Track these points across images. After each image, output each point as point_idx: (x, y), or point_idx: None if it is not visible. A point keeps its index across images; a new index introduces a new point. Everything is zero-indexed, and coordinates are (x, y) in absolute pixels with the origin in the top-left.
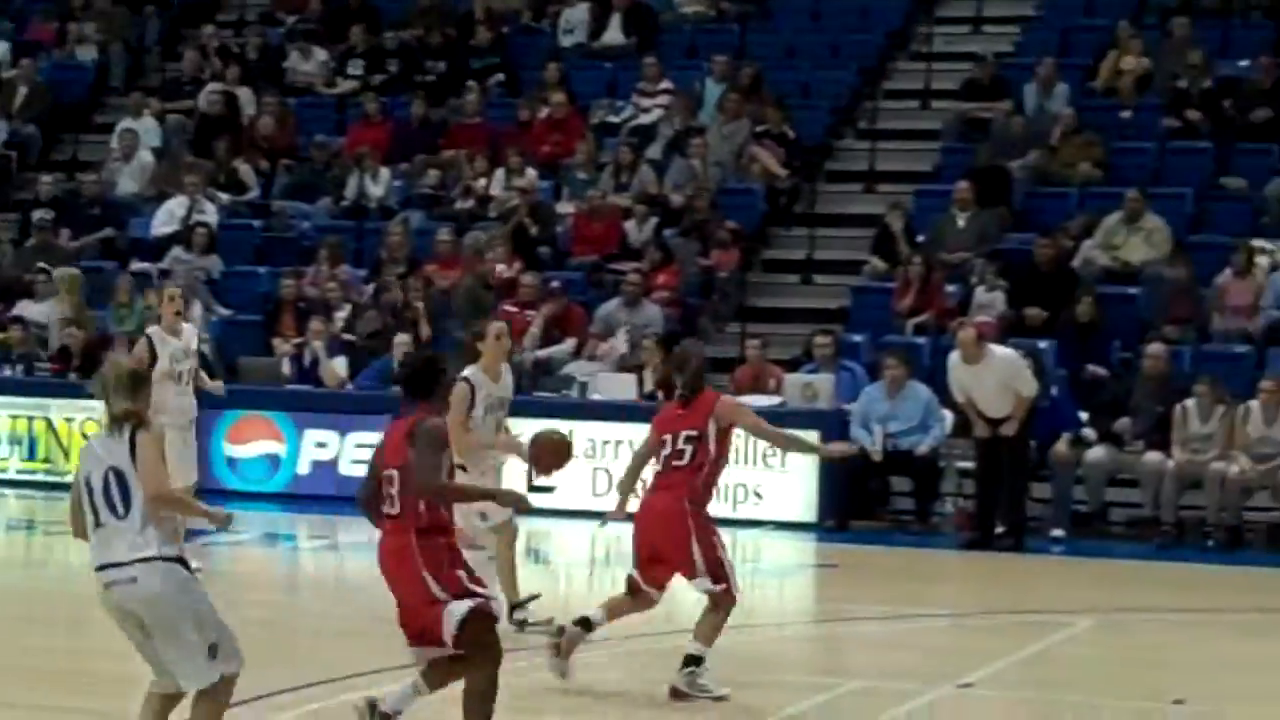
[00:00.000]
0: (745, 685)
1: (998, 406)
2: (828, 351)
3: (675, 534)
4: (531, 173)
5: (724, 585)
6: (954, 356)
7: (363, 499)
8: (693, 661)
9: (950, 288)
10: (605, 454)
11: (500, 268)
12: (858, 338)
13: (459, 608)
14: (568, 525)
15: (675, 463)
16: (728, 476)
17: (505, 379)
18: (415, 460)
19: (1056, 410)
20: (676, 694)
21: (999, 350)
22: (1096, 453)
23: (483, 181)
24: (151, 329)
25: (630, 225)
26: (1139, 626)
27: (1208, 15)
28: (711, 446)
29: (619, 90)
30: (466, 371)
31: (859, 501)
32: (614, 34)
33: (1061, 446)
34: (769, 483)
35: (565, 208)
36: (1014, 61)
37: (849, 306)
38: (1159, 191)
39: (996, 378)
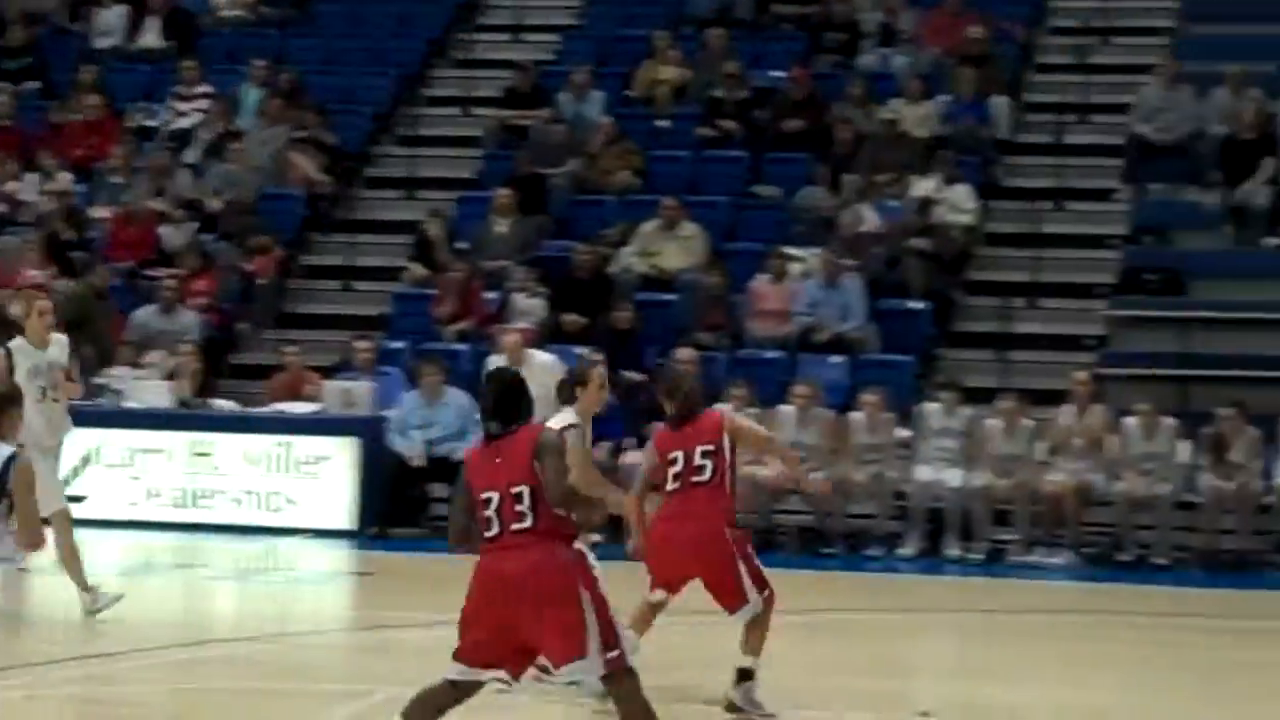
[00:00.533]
0: (278, 694)
1: (540, 413)
2: (367, 358)
3: (719, 563)
4: (65, 176)
5: (768, 591)
6: (494, 360)
7: (460, 531)
8: (747, 676)
9: (490, 295)
10: (142, 463)
11: (33, 273)
12: (398, 344)
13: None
14: (103, 535)
15: (695, 479)
16: (263, 483)
17: None
18: (549, 472)
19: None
20: (733, 708)
21: (539, 355)
22: (634, 457)
23: (13, 185)
24: (15, 342)
25: (167, 230)
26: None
27: (742, 27)
28: (728, 458)
29: (156, 94)
30: None
31: (399, 509)
32: (151, 37)
33: (600, 453)
34: (305, 490)
35: (100, 212)
36: (554, 70)
37: (389, 313)
38: (695, 200)
39: (537, 382)
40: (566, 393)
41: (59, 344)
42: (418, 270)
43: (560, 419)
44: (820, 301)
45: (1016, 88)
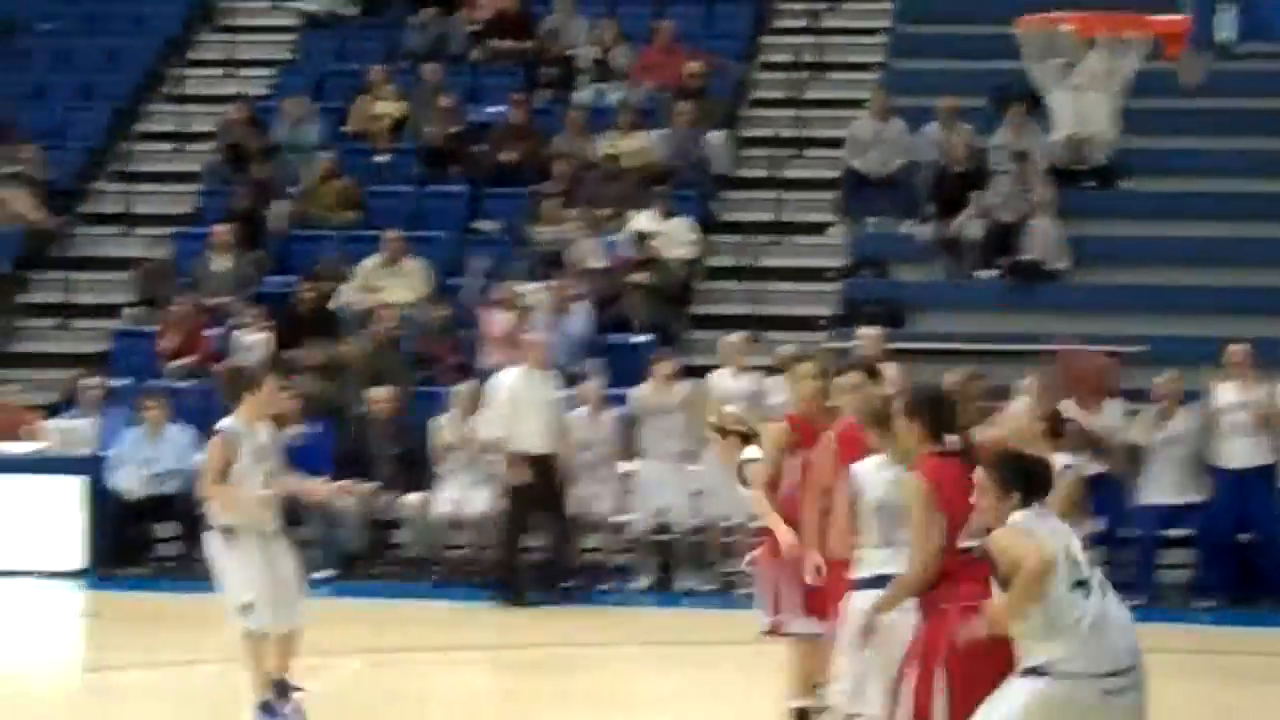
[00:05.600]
0: None
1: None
2: (94, 395)
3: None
4: None
5: None
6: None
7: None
8: None
9: (213, 331)
10: None
11: None
12: (121, 382)
13: None
14: None
15: None
16: None
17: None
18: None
19: (310, 451)
20: None
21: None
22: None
23: None
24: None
25: None
26: (407, 666)
27: (458, 62)
28: None
29: None
30: None
31: (123, 548)
32: None
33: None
34: (34, 532)
35: None
36: (270, 105)
37: (110, 350)
38: (418, 235)
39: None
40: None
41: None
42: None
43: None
44: (548, 335)
45: (733, 122)
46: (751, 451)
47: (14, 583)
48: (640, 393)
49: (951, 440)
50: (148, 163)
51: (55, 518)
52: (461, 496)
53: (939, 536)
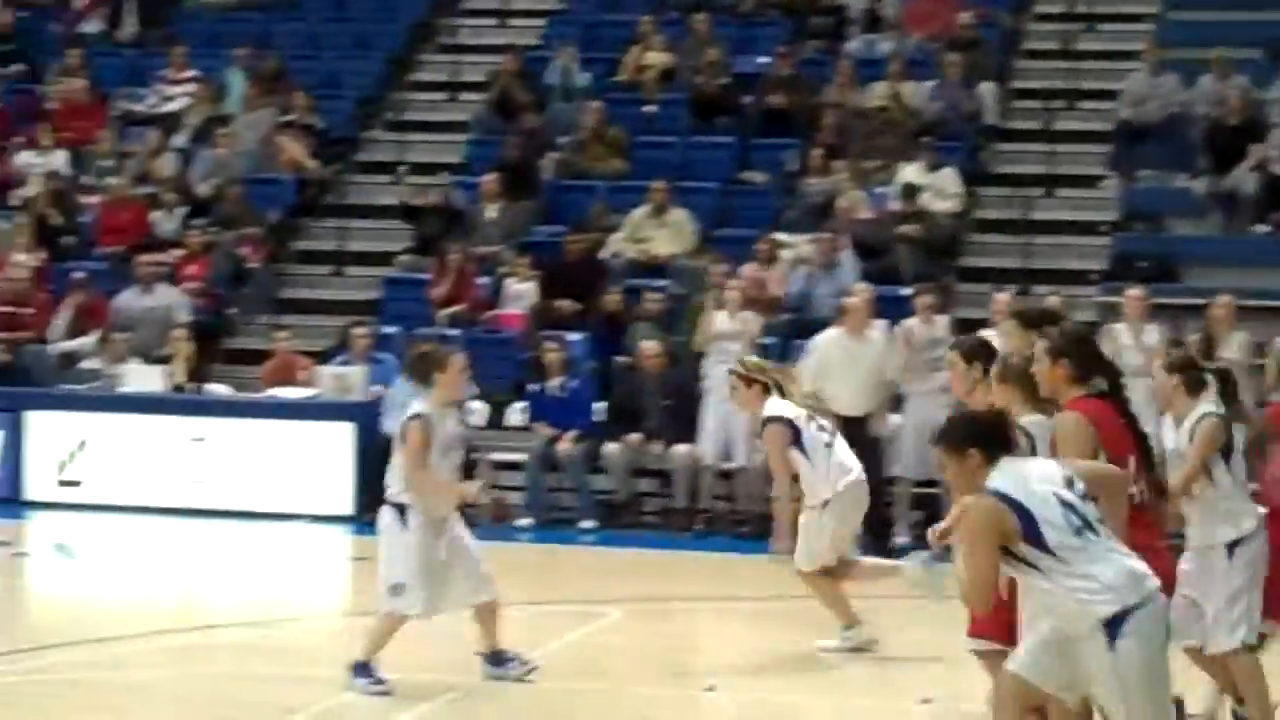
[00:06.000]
0: (277, 679)
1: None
2: (364, 344)
3: None
4: (56, 158)
5: None
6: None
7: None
8: None
9: (482, 280)
10: (138, 448)
11: (23, 257)
12: (391, 329)
13: None
14: (100, 520)
15: None
16: (260, 468)
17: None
18: None
19: (572, 402)
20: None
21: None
22: (614, 445)
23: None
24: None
25: (158, 215)
26: (671, 615)
27: (727, 12)
28: None
29: (140, 78)
30: None
31: None
32: (131, 23)
33: (567, 440)
34: (304, 476)
35: (89, 198)
36: (540, 55)
37: (381, 298)
38: (684, 185)
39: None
40: None
41: None
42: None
43: None
44: (813, 287)
45: (1003, 74)
46: (774, 404)
47: (285, 526)
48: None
49: (1097, 381)
50: (419, 112)
51: (326, 463)
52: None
53: None
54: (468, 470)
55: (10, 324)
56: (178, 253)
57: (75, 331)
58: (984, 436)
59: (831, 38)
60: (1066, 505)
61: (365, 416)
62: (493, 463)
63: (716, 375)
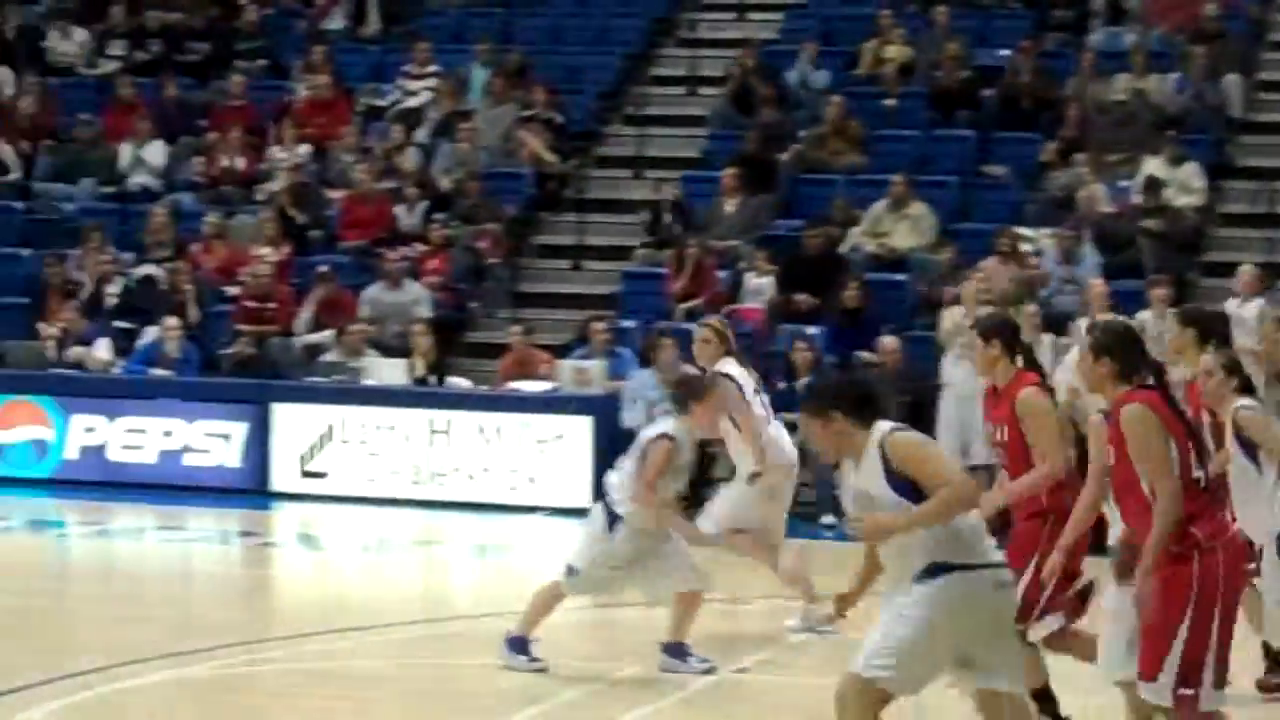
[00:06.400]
0: (510, 671)
1: None
2: (603, 338)
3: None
4: (300, 154)
5: None
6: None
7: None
8: None
9: (721, 274)
10: (380, 440)
11: (268, 251)
12: (629, 323)
13: None
14: (341, 511)
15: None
16: (500, 461)
17: None
18: None
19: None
20: None
21: None
22: None
23: (243, 162)
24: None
25: (400, 209)
26: None
27: (967, 5)
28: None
29: (383, 74)
30: None
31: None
32: (375, 19)
33: None
34: (542, 467)
35: (333, 192)
36: (778, 49)
37: (620, 292)
38: (923, 179)
39: None
40: None
41: None
42: (650, 252)
43: None
44: (1055, 281)
45: (1249, 65)
46: (727, 364)
47: (523, 519)
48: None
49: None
50: (659, 106)
51: (565, 456)
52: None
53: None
54: (707, 465)
55: (256, 318)
56: (419, 247)
57: (319, 325)
58: (847, 400)
59: (1074, 30)
60: None
61: (604, 410)
62: None
63: (954, 373)
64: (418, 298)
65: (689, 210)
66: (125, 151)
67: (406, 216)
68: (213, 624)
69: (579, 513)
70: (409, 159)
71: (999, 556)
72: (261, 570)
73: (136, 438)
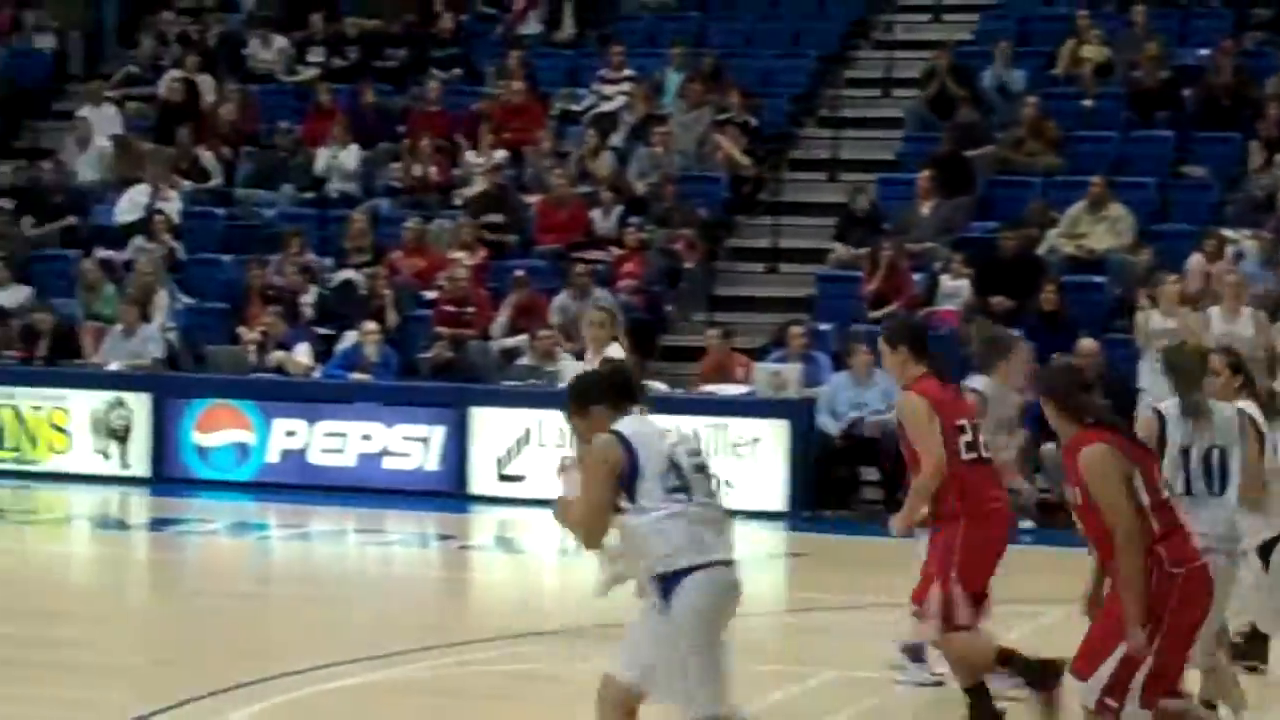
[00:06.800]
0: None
1: None
2: (800, 341)
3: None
4: (496, 158)
5: None
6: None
7: None
8: None
9: (916, 276)
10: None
11: (464, 255)
12: (825, 326)
13: None
14: (540, 515)
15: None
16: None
17: None
18: None
19: None
20: None
21: None
22: (1050, 445)
23: (438, 168)
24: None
25: (595, 213)
26: None
27: (1165, 5)
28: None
29: (578, 78)
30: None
31: (828, 490)
32: (569, 24)
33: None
34: (738, 471)
35: (529, 197)
36: (974, 50)
37: (815, 295)
38: (1121, 180)
39: None
40: None
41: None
42: (843, 251)
43: None
44: (1259, 283)
45: None
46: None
47: None
48: None
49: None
50: (854, 108)
51: (761, 459)
52: None
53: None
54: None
55: (454, 321)
56: (614, 251)
57: (515, 329)
58: (606, 392)
59: (1274, 29)
60: (674, 465)
61: (801, 413)
62: None
63: (1151, 374)
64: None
65: (884, 212)
66: (322, 157)
67: (602, 220)
68: (413, 627)
69: (775, 516)
70: (604, 163)
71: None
72: (460, 573)
73: (336, 441)
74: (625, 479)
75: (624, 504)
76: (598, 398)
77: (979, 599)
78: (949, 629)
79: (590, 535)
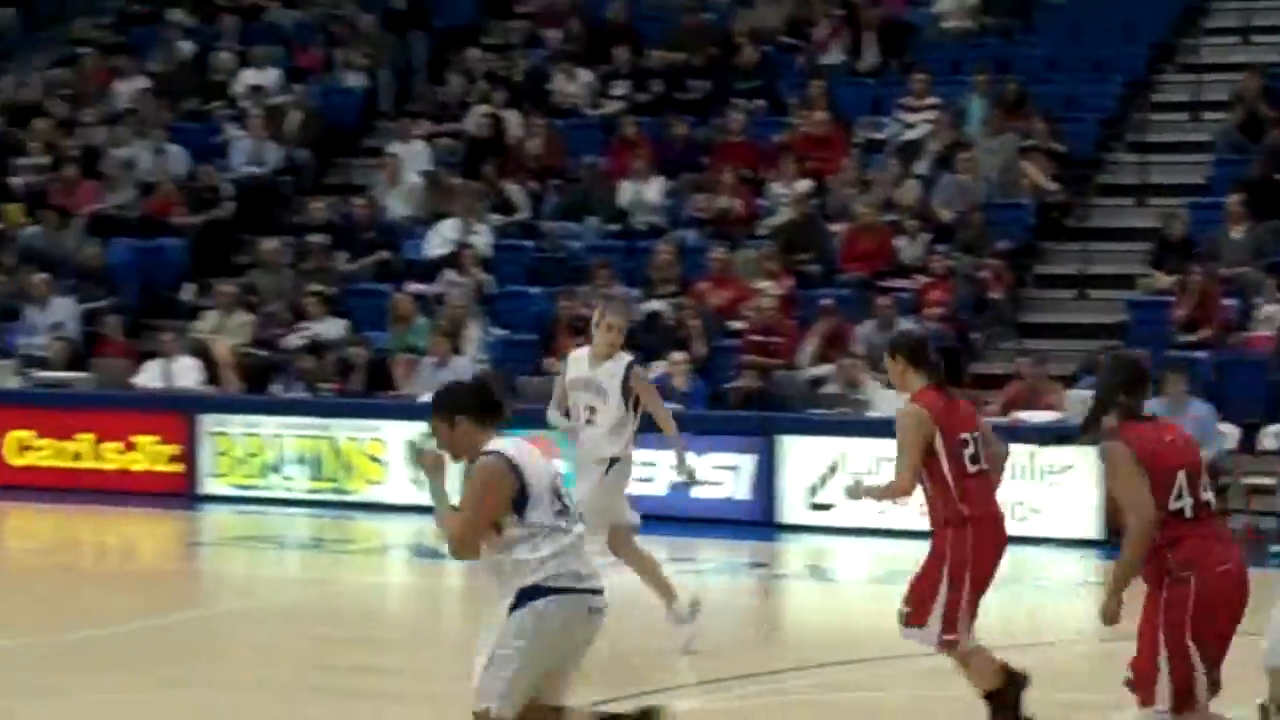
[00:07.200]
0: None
1: None
2: None
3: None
4: (801, 187)
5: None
6: None
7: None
8: None
9: (1229, 301)
10: (887, 471)
11: (770, 285)
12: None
13: None
14: (851, 543)
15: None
16: (1009, 492)
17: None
18: None
19: None
20: None
21: None
22: None
23: (741, 199)
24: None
25: (901, 242)
26: None
27: None
28: None
29: (881, 107)
30: None
31: None
32: (872, 53)
33: None
34: (1051, 499)
35: (833, 226)
36: None
37: (1126, 321)
38: None
39: None
40: None
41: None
42: (1159, 279)
43: None
44: None
45: None
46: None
47: (1032, 551)
48: None
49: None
50: (1162, 133)
51: (1072, 486)
52: None
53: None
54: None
55: (761, 351)
56: (920, 279)
57: (822, 358)
58: (473, 406)
59: None
60: (554, 492)
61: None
62: (1246, 487)
63: None
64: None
65: (1194, 237)
66: (626, 189)
67: (907, 248)
68: (728, 655)
69: (1086, 544)
70: (908, 191)
71: (595, 582)
72: (771, 601)
73: (647, 470)
74: (516, 501)
75: (510, 523)
76: (464, 409)
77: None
78: (949, 636)
79: (464, 550)
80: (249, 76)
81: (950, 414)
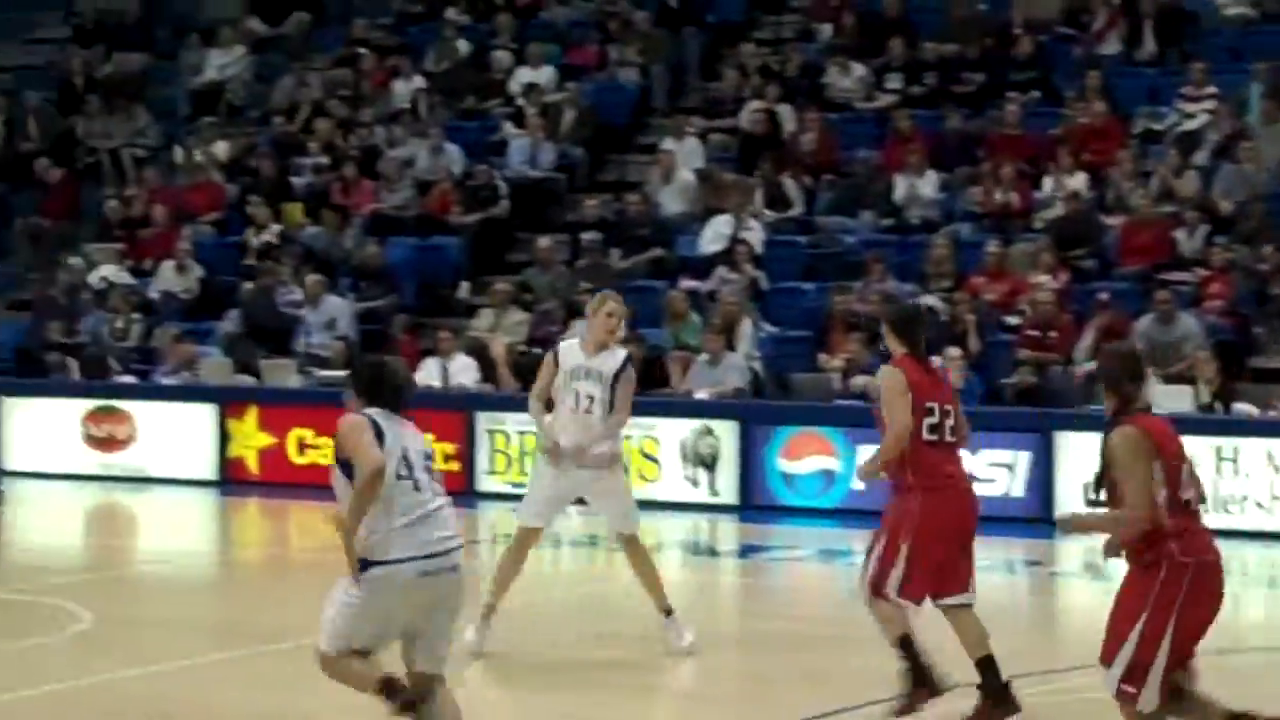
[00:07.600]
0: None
1: None
2: None
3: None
4: (1077, 180)
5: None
6: None
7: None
8: None
9: None
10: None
11: (1047, 279)
12: None
13: None
14: None
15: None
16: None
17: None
18: None
19: None
20: None
21: None
22: None
23: (1017, 192)
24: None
25: (1180, 234)
26: None
27: None
28: None
29: (1160, 97)
30: None
31: None
32: (1150, 42)
33: None
34: None
35: (1110, 218)
36: None
37: None
38: None
39: None
40: None
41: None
42: None
43: None
44: None
45: None
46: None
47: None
48: None
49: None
50: None
51: None
52: None
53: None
54: None
55: (1037, 346)
56: (1200, 272)
57: (1100, 352)
58: (371, 386)
59: None
60: (406, 461)
61: None
62: None
63: None
64: (1188, 334)
65: None
66: (900, 183)
67: (1186, 241)
68: (1004, 653)
69: None
70: (1188, 182)
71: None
72: (1049, 599)
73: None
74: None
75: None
76: (360, 390)
77: (929, 574)
78: (877, 595)
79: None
80: (524, 74)
81: (923, 383)
